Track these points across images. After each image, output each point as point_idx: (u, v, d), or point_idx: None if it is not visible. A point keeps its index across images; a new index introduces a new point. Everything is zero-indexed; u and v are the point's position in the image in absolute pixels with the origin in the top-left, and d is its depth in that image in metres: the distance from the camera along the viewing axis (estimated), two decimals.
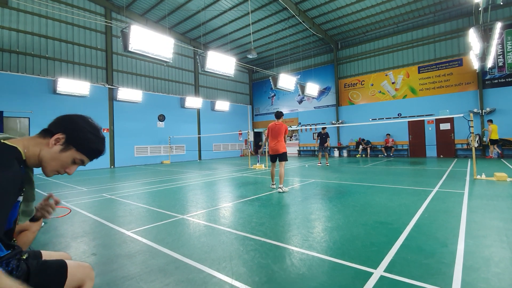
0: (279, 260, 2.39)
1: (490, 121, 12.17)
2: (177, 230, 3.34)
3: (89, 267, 1.27)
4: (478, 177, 6.50)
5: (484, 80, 13.25)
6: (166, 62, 8.60)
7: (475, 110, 13.18)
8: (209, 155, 19.26)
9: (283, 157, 5.86)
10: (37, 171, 1.19)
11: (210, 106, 19.73)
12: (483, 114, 13.10)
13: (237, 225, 3.49)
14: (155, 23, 15.90)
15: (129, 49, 7.39)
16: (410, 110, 15.31)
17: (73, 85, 12.41)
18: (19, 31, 11.49)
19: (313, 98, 18.90)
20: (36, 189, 1.17)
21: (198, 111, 18.73)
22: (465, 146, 13.67)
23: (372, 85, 16.82)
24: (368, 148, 16.11)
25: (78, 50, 13.29)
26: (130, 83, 15.25)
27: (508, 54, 12.28)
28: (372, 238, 2.85)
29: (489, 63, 10.69)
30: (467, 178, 6.67)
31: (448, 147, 14.14)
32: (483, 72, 13.08)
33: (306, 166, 11.44)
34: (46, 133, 1.09)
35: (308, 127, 18.97)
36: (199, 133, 18.53)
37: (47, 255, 1.29)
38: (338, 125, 15.72)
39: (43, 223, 1.92)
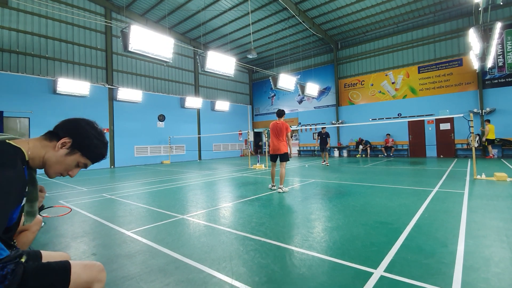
0: (279, 260, 2.39)
1: (488, 121, 12.18)
2: (177, 230, 3.34)
3: (99, 268, 1.18)
4: (478, 177, 6.50)
5: (484, 80, 13.25)
6: (166, 62, 8.60)
7: (475, 110, 13.18)
8: (209, 155, 19.26)
9: (284, 157, 5.80)
10: (38, 171, 1.19)
11: (210, 106, 19.73)
12: (483, 114, 13.10)
13: (237, 225, 3.49)
14: (155, 23, 15.90)
15: (129, 49, 7.40)
16: (410, 110, 15.31)
17: (73, 85, 12.42)
18: (19, 31, 11.49)
19: (313, 98, 18.90)
20: None
21: (198, 111, 18.73)
22: (465, 146, 13.67)
23: (372, 85, 16.82)
24: (368, 148, 16.11)
25: (78, 50, 13.29)
26: (130, 83, 15.25)
27: (508, 54, 12.28)
28: (372, 238, 2.85)
29: (489, 63, 10.69)
30: (467, 178, 6.67)
31: (448, 147, 14.14)
32: (483, 72, 13.08)
33: (306, 166, 11.44)
34: (52, 135, 1.10)
35: (308, 127, 18.97)
36: (199, 133, 18.53)
37: (47, 255, 1.28)
38: (338, 125, 15.73)
39: (43, 223, 1.92)
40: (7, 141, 1.01)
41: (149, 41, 7.76)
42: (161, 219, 3.88)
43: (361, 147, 16.43)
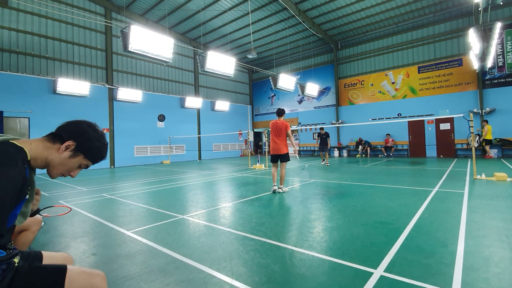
0: (279, 260, 2.39)
1: (486, 121, 12.18)
2: (177, 230, 3.34)
3: (99, 277, 1.13)
4: (478, 177, 6.50)
5: (484, 80, 13.25)
6: (166, 62, 8.60)
7: (475, 110, 13.18)
8: (209, 155, 19.26)
9: (284, 158, 5.75)
10: (39, 171, 1.20)
11: (210, 106, 19.73)
12: (483, 114, 13.10)
13: (237, 225, 3.49)
14: (155, 23, 15.90)
15: (129, 49, 7.39)
16: (410, 110, 15.31)
17: (73, 85, 12.41)
18: (19, 31, 11.49)
19: (313, 98, 18.90)
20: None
21: (198, 111, 18.73)
22: (465, 146, 13.67)
23: (372, 85, 16.82)
24: (368, 148, 16.11)
25: (78, 50, 13.29)
26: (130, 83, 15.25)
27: (508, 54, 12.27)
28: (372, 238, 2.85)
29: (489, 63, 10.69)
30: (467, 178, 6.67)
31: (448, 147, 14.14)
32: (483, 72, 13.08)
33: (306, 166, 11.44)
34: (55, 137, 1.13)
35: (308, 127, 18.97)
36: (199, 133, 18.53)
37: (47, 255, 1.28)
38: (338, 125, 15.73)
39: (43, 223, 1.92)
40: (10, 141, 1.03)
41: (149, 41, 7.76)
42: (161, 219, 3.88)
43: (361, 147, 16.43)
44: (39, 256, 1.25)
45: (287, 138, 5.86)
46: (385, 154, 15.66)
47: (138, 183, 7.75)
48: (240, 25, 15.97)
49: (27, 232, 1.70)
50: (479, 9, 10.19)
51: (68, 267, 1.08)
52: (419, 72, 15.17)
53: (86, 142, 1.16)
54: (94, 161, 1.23)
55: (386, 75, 16.30)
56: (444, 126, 14.28)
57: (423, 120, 14.55)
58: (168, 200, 5.16)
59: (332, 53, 18.46)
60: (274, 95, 21.93)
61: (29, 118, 11.52)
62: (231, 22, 15.62)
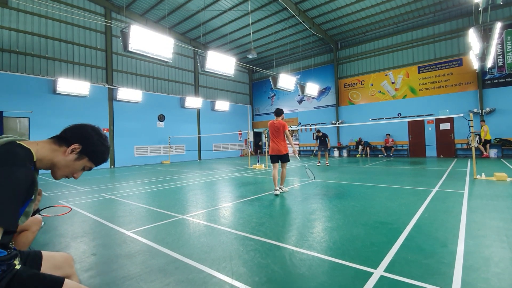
0: (279, 260, 2.39)
1: (483, 121, 12.16)
2: (177, 230, 3.34)
3: None
4: (478, 177, 6.50)
5: (484, 80, 13.26)
6: (166, 62, 8.60)
7: (475, 110, 13.18)
8: (209, 155, 19.26)
9: (284, 158, 5.67)
10: (41, 171, 1.20)
11: (210, 106, 19.72)
12: (483, 114, 13.10)
13: (237, 225, 3.49)
14: (155, 23, 15.90)
15: (129, 49, 7.39)
16: (410, 110, 15.31)
17: (73, 85, 12.41)
18: (19, 31, 11.49)
19: (313, 98, 18.90)
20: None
21: (198, 111, 18.72)
22: (465, 146, 13.67)
23: (372, 85, 16.82)
24: (368, 148, 16.11)
25: (78, 50, 13.29)
26: (130, 83, 15.25)
27: (507, 54, 12.27)
28: (372, 238, 2.85)
29: (489, 63, 10.69)
30: (467, 178, 6.67)
31: (448, 147, 14.14)
32: (483, 72, 13.08)
33: (306, 166, 11.42)
34: (61, 140, 1.16)
35: (308, 127, 18.97)
36: (199, 133, 18.53)
37: (48, 255, 1.28)
38: (338, 125, 15.73)
39: (43, 223, 1.92)
40: (17, 141, 1.05)
41: (149, 41, 7.76)
42: (161, 219, 3.87)
43: (360, 147, 16.43)
44: (39, 256, 1.25)
45: (286, 138, 5.76)
46: (385, 154, 15.66)
47: (138, 183, 7.75)
48: (240, 25, 15.97)
49: (27, 232, 1.70)
50: (479, 9, 10.19)
51: (66, 281, 1.08)
52: (419, 72, 15.17)
53: (91, 146, 1.20)
54: (97, 164, 1.28)
55: (386, 75, 16.30)
56: (444, 126, 14.29)
57: (423, 120, 14.55)
58: (168, 200, 5.16)
59: (332, 53, 18.46)
60: (274, 95, 21.93)
61: (29, 118, 11.52)
62: (231, 22, 15.62)
